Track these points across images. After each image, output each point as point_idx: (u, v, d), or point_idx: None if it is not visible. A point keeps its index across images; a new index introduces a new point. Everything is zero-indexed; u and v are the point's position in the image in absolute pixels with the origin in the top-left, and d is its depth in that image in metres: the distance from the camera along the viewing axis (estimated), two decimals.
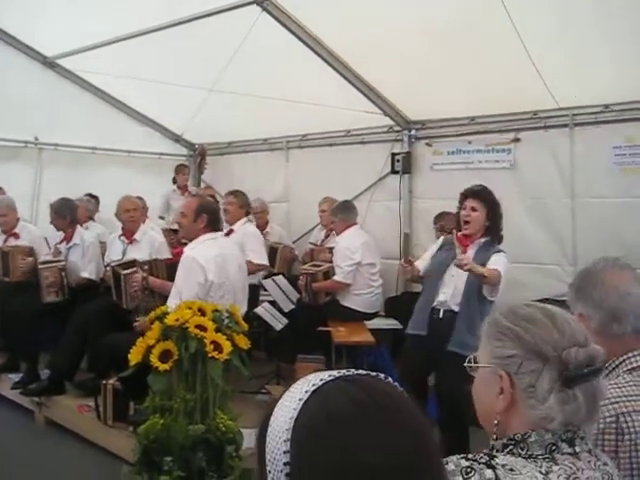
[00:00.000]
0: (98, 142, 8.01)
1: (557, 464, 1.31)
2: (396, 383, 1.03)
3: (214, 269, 4.42)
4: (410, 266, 4.56)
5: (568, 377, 1.34)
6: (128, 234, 6.01)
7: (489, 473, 1.28)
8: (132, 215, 5.98)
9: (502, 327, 1.44)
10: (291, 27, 5.37)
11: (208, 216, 4.67)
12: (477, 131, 6.23)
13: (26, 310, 5.65)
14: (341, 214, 6.36)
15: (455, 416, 3.96)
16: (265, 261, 6.41)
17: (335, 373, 1.02)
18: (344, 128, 7.25)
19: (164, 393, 3.42)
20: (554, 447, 1.34)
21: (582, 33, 4.54)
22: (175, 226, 6.19)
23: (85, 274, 6.08)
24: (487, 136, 6.16)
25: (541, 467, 1.30)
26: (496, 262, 4.17)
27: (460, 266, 4.00)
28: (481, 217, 4.39)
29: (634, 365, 1.87)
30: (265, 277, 6.44)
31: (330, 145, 7.53)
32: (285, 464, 0.94)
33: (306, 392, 0.98)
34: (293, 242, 7.81)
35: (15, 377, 5.85)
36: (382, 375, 1.03)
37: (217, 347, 3.39)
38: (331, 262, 6.30)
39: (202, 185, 7.89)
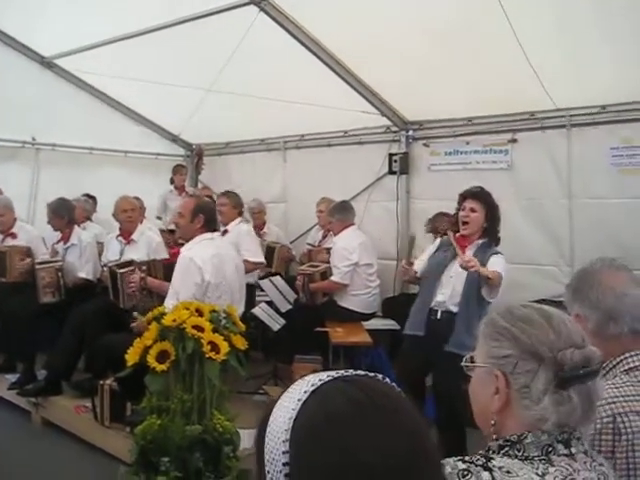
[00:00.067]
0: (95, 142, 8.01)
1: (553, 465, 1.31)
2: (394, 384, 1.03)
3: (211, 269, 4.42)
4: (410, 268, 4.58)
5: (563, 378, 1.34)
6: (125, 234, 6.01)
7: (486, 476, 1.28)
8: (130, 215, 5.98)
9: (499, 327, 1.45)
10: (289, 27, 5.37)
11: (205, 216, 4.68)
12: (474, 132, 6.24)
13: (23, 310, 5.65)
14: (338, 214, 6.37)
15: (453, 416, 3.96)
16: (261, 259, 6.42)
17: (333, 374, 1.02)
18: (342, 128, 7.25)
19: (161, 394, 3.41)
20: (550, 448, 1.34)
21: (580, 34, 4.55)
22: (173, 226, 6.19)
23: (82, 274, 6.08)
24: (484, 137, 6.16)
25: (537, 469, 1.30)
26: (496, 264, 4.18)
27: (467, 267, 4.00)
28: (480, 218, 4.40)
29: (631, 365, 1.87)
30: (262, 277, 6.44)
31: (328, 145, 7.53)
32: (284, 464, 0.95)
33: (305, 392, 0.99)
34: (290, 242, 7.81)
35: (12, 377, 5.84)
36: (380, 376, 1.04)
37: (214, 347, 3.39)
38: (329, 263, 6.31)
39: (199, 185, 7.88)
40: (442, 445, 3.86)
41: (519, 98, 5.53)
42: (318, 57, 5.68)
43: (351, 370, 1.03)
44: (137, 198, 6.55)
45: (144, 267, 5.27)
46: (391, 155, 6.85)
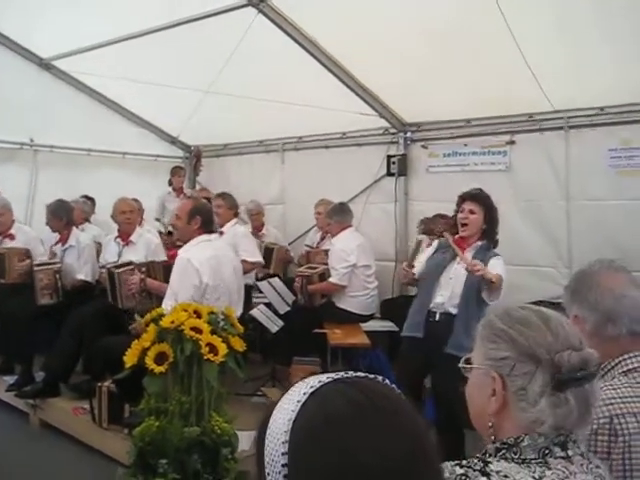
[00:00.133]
0: (94, 144, 8.01)
1: (550, 469, 1.31)
2: (394, 385, 1.03)
3: (208, 271, 4.42)
4: (410, 270, 4.58)
5: (560, 380, 1.34)
6: (124, 236, 6.00)
7: None
8: (128, 217, 5.98)
9: (496, 329, 1.44)
10: (287, 29, 5.38)
11: (202, 218, 4.69)
12: (473, 133, 6.24)
13: (21, 312, 5.64)
14: (336, 216, 6.37)
15: (451, 418, 3.96)
16: (259, 258, 6.45)
17: (333, 375, 1.02)
18: (340, 130, 7.25)
19: (159, 395, 3.41)
20: (547, 451, 1.34)
21: (579, 35, 4.55)
22: (171, 228, 6.19)
23: (81, 276, 6.07)
24: (483, 138, 6.16)
25: (534, 472, 1.30)
26: (496, 266, 4.18)
27: (472, 271, 4.00)
28: (479, 220, 4.41)
29: (629, 367, 1.87)
30: (261, 279, 6.44)
31: (326, 147, 7.53)
32: (283, 466, 0.95)
33: (304, 394, 0.99)
34: (289, 244, 7.81)
35: (10, 379, 5.83)
36: (380, 377, 1.04)
37: (212, 349, 3.39)
38: (327, 264, 6.30)
39: (197, 187, 7.89)
40: (441, 447, 3.85)
41: (517, 100, 5.53)
42: (316, 58, 5.68)
43: (351, 372, 1.03)
44: (136, 200, 6.55)
45: (144, 268, 5.27)
46: (389, 157, 6.85)
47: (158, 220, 8.23)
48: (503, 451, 1.36)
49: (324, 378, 1.01)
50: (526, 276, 5.59)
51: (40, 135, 7.51)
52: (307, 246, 7.45)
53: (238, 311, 4.60)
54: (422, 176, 6.76)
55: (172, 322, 3.39)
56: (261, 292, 6.12)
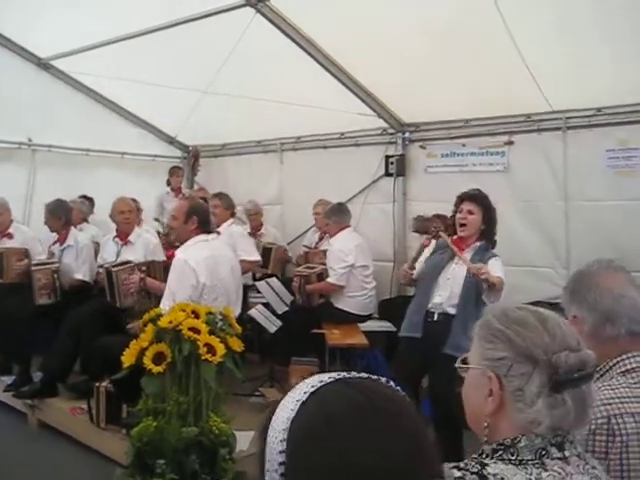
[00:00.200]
0: (92, 144, 7.99)
1: (546, 470, 1.30)
2: (398, 387, 1.03)
3: (205, 271, 4.42)
4: (410, 272, 4.58)
5: (557, 381, 1.33)
6: (122, 236, 5.99)
7: None
8: (127, 217, 5.97)
9: (493, 329, 1.44)
10: (285, 29, 5.37)
11: (199, 218, 4.69)
12: (471, 134, 6.24)
13: (19, 312, 5.64)
14: (335, 216, 6.37)
15: (449, 418, 3.96)
16: (258, 257, 6.44)
17: (335, 375, 1.02)
18: (338, 130, 7.24)
19: (157, 395, 3.41)
20: (544, 452, 1.33)
21: (578, 36, 4.55)
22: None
23: (79, 276, 6.07)
24: (481, 139, 6.16)
25: (531, 474, 1.29)
26: (495, 267, 4.18)
27: (477, 275, 4.00)
28: (477, 220, 4.41)
29: (628, 367, 1.87)
30: (259, 279, 6.44)
31: (324, 147, 7.53)
32: (280, 464, 0.95)
33: (305, 393, 0.99)
34: (287, 244, 7.81)
35: (8, 379, 5.83)
36: (383, 379, 1.04)
37: (210, 349, 3.39)
38: (325, 264, 6.30)
39: (195, 187, 7.88)
40: (439, 446, 3.84)
41: (515, 100, 5.53)
42: (314, 59, 5.68)
43: (354, 372, 1.04)
44: (134, 200, 6.54)
45: (144, 268, 5.27)
46: (388, 157, 6.85)
47: (157, 220, 8.22)
48: (500, 452, 1.36)
49: (326, 378, 1.02)
50: (524, 276, 5.59)
51: (38, 135, 7.49)
52: (305, 246, 7.45)
53: (237, 311, 4.59)
54: (420, 176, 6.76)
55: (170, 322, 3.40)
56: (259, 292, 6.12)
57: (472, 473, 1.29)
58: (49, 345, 5.49)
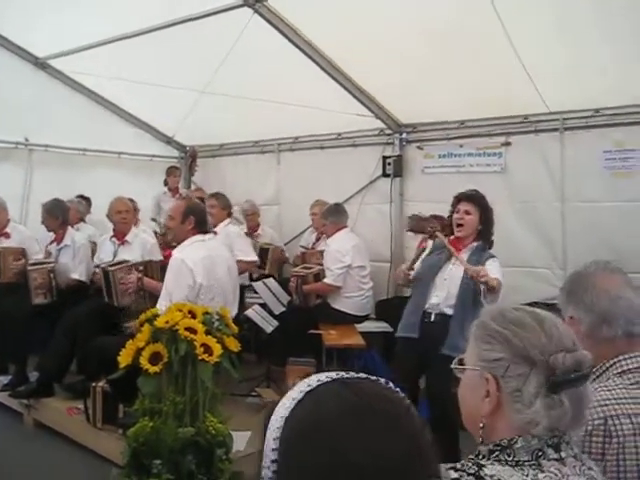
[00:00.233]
0: (89, 144, 7.99)
1: (543, 471, 1.30)
2: (398, 388, 1.03)
3: (202, 271, 4.42)
4: (409, 272, 4.58)
5: (555, 382, 1.33)
6: (119, 235, 5.99)
7: None
8: (124, 217, 5.97)
9: (490, 330, 1.44)
10: (283, 30, 5.37)
11: (195, 218, 4.69)
12: (468, 134, 6.25)
13: (16, 312, 5.63)
14: (332, 217, 6.37)
15: (446, 419, 3.95)
16: (255, 257, 6.42)
17: (333, 375, 1.02)
18: (335, 131, 7.25)
19: (154, 396, 3.41)
20: (540, 453, 1.33)
21: (577, 37, 4.55)
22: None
23: (75, 275, 6.06)
24: (478, 140, 6.17)
25: (527, 475, 1.29)
26: (493, 269, 4.18)
27: (476, 278, 4.00)
28: (474, 220, 4.41)
29: (624, 368, 1.87)
30: (256, 279, 6.43)
31: (321, 148, 7.53)
32: (272, 461, 0.96)
33: (301, 392, 1.00)
34: (284, 244, 7.81)
35: (4, 379, 5.81)
36: (383, 380, 1.04)
37: (207, 350, 3.39)
38: (322, 265, 6.30)
39: (192, 187, 7.88)
40: (437, 447, 3.84)
41: (513, 101, 5.54)
42: (312, 59, 5.68)
43: (352, 373, 1.04)
44: (131, 200, 6.54)
45: (141, 268, 5.26)
46: (385, 158, 6.86)
47: (154, 220, 8.21)
48: (496, 453, 1.36)
49: (323, 377, 1.02)
50: (521, 277, 5.60)
51: (35, 134, 7.49)
52: (302, 247, 7.46)
53: (233, 311, 4.59)
54: (417, 177, 6.77)
55: (167, 322, 3.39)
56: (256, 292, 6.11)
57: (469, 474, 1.29)
58: (45, 345, 5.49)
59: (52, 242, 6.23)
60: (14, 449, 4.86)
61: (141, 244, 5.92)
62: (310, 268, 6.38)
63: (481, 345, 1.44)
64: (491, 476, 1.29)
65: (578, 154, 5.50)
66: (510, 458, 1.34)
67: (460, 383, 1.51)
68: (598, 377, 1.88)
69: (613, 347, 1.90)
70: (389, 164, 6.79)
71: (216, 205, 6.47)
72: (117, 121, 8.24)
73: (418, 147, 6.72)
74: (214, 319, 3.64)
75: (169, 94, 6.74)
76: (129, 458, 3.35)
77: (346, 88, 6.04)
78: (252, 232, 7.50)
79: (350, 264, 6.14)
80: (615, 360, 1.89)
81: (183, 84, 6.52)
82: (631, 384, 1.82)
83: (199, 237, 4.66)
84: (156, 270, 5.31)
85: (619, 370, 1.88)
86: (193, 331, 3.39)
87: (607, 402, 1.75)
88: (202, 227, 4.75)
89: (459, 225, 4.42)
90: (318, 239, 7.20)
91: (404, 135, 6.78)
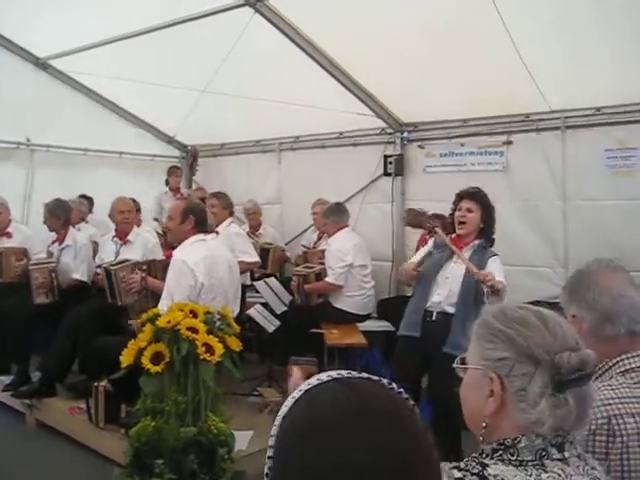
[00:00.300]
0: (90, 143, 7.99)
1: (546, 471, 1.29)
2: (401, 389, 1.03)
3: (203, 271, 4.41)
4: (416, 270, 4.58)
5: (560, 381, 1.32)
6: (121, 235, 5.98)
7: None
8: (126, 217, 5.96)
9: (494, 329, 1.42)
10: (284, 29, 5.37)
11: (195, 217, 4.67)
12: (469, 133, 6.24)
13: (18, 312, 5.62)
14: (333, 216, 6.37)
15: (448, 418, 3.95)
16: (256, 258, 6.41)
17: (334, 374, 1.02)
18: (336, 130, 7.25)
19: (155, 395, 3.41)
20: (544, 452, 1.33)
21: (577, 36, 4.55)
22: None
23: (76, 275, 6.06)
24: (479, 138, 6.16)
25: (531, 475, 1.28)
26: (495, 269, 4.18)
27: (484, 281, 4.00)
28: (476, 218, 4.41)
29: (627, 367, 1.87)
30: (257, 279, 6.43)
31: (322, 147, 7.53)
32: (269, 458, 0.97)
33: (300, 391, 0.99)
34: (285, 244, 7.81)
35: (6, 379, 5.81)
36: (385, 380, 1.03)
37: (209, 349, 3.39)
38: (324, 264, 6.30)
39: (194, 186, 7.89)
40: (439, 446, 3.83)
41: (514, 100, 5.53)
42: (313, 58, 5.68)
43: (354, 372, 1.03)
44: (133, 200, 6.54)
45: (144, 267, 5.26)
46: (386, 157, 6.85)
47: (156, 220, 8.21)
48: (500, 452, 1.35)
49: (324, 377, 1.02)
50: (522, 276, 5.59)
51: (37, 134, 7.49)
52: (304, 246, 7.45)
53: (235, 311, 4.59)
54: (419, 176, 6.76)
55: (168, 322, 3.39)
56: (257, 292, 6.11)
57: (472, 474, 1.29)
58: (47, 345, 5.49)
59: (54, 242, 6.22)
60: (16, 449, 4.86)
61: (143, 243, 5.92)
62: (312, 267, 6.38)
63: (484, 344, 1.43)
64: (494, 476, 1.28)
65: (580, 153, 5.49)
66: (514, 458, 1.33)
67: (462, 382, 1.50)
68: (600, 376, 1.88)
69: (616, 345, 1.90)
70: (390, 163, 6.79)
71: (217, 205, 6.46)
72: (118, 121, 8.24)
73: (419, 146, 6.72)
74: (216, 319, 3.64)
75: (170, 94, 6.74)
76: (131, 458, 3.35)
77: (347, 87, 6.04)
78: (254, 232, 7.50)
79: (351, 263, 6.13)
80: (618, 359, 1.89)
81: (184, 84, 6.52)
82: (634, 383, 1.82)
83: (200, 237, 4.65)
84: (159, 269, 5.31)
85: (622, 369, 1.87)
86: (195, 331, 3.39)
87: (610, 401, 1.74)
88: (202, 226, 4.74)
89: (461, 223, 4.42)
90: (319, 238, 7.19)
91: (405, 134, 6.77)
